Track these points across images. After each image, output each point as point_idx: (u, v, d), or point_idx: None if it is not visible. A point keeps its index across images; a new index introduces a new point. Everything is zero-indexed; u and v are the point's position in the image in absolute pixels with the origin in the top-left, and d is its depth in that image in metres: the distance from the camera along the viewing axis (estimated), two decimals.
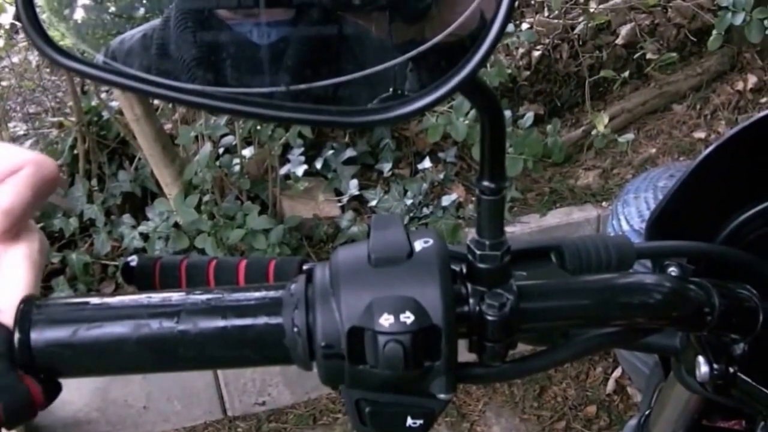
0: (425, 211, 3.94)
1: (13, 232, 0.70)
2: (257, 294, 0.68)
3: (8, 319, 0.66)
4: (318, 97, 0.66)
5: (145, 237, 3.68)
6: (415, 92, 0.59)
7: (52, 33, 0.66)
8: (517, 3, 0.64)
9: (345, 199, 4.01)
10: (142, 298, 0.68)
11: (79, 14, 0.72)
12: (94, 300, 0.68)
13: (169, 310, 0.66)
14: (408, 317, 0.63)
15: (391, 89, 0.64)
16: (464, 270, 0.72)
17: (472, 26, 0.61)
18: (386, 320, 0.63)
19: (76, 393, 3.51)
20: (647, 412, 1.33)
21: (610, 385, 3.73)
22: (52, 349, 0.65)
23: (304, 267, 0.83)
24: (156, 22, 0.73)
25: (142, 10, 0.74)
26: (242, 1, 0.67)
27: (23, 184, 0.69)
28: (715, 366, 0.88)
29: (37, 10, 0.66)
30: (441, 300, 0.65)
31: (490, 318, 0.68)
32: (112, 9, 0.75)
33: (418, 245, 0.67)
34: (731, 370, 0.89)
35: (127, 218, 3.77)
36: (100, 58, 0.73)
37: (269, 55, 0.69)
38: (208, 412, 3.74)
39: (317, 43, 0.69)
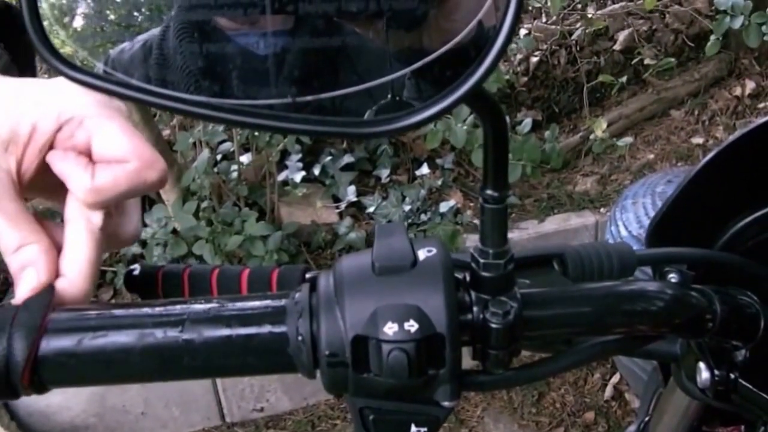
0: (423, 217, 3.94)
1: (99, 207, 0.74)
2: (261, 303, 0.69)
3: (70, 287, 0.71)
4: (320, 108, 0.66)
5: (143, 243, 3.67)
6: (421, 103, 0.59)
7: (52, 40, 0.67)
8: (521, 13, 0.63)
9: (343, 205, 4.02)
10: (147, 307, 0.68)
11: (78, 22, 0.72)
12: (99, 309, 0.68)
13: (174, 319, 0.66)
14: (412, 326, 0.63)
15: (394, 98, 0.64)
16: (468, 278, 0.72)
17: (471, 34, 0.61)
18: (390, 329, 0.63)
19: (74, 399, 3.51)
20: (646, 419, 1.33)
21: (609, 392, 3.73)
22: (57, 359, 0.65)
23: (307, 276, 0.83)
24: (156, 31, 0.73)
25: (141, 19, 0.75)
26: (239, 9, 0.67)
27: (123, 177, 0.73)
28: (716, 372, 0.88)
29: (41, 18, 0.66)
30: (445, 308, 0.65)
31: (493, 326, 0.68)
32: (112, 17, 0.75)
33: (422, 254, 0.67)
34: (732, 376, 0.89)
35: None
36: (100, 66, 0.73)
37: (269, 65, 0.69)
38: (207, 418, 3.74)
39: (317, 53, 0.69)
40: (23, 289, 0.70)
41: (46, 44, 0.66)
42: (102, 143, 0.74)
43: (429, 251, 0.68)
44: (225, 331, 0.66)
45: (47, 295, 0.69)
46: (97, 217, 0.74)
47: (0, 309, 0.66)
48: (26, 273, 0.71)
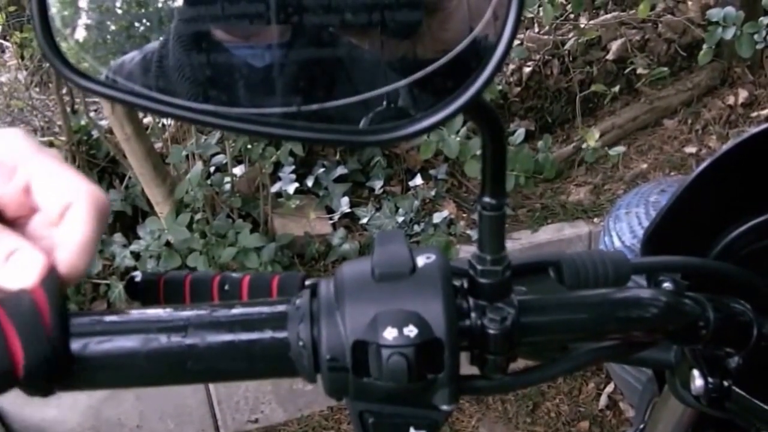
0: (417, 228, 3.95)
1: None
2: (263, 308, 0.69)
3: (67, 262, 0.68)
4: (320, 116, 0.66)
5: (136, 256, 3.68)
6: (417, 110, 0.60)
7: (62, 49, 0.68)
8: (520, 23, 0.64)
9: (336, 216, 4.02)
10: (151, 312, 0.69)
11: (80, 33, 0.73)
12: (104, 314, 0.69)
13: (178, 324, 0.67)
14: (411, 331, 0.64)
15: (393, 107, 0.65)
16: (466, 285, 0.73)
17: (469, 44, 0.62)
18: (390, 334, 0.64)
19: (69, 412, 3.51)
20: (641, 427, 1.33)
21: (603, 401, 3.73)
22: (63, 363, 0.65)
23: (307, 282, 0.84)
24: (156, 43, 0.74)
25: (142, 30, 0.75)
26: (237, 21, 0.67)
27: (84, 218, 0.69)
28: (710, 379, 0.89)
29: (51, 27, 0.67)
30: (443, 314, 0.66)
31: (491, 332, 0.69)
32: (113, 28, 0.75)
33: (421, 261, 0.68)
34: (726, 383, 0.89)
35: (118, 237, 3.77)
36: (103, 76, 0.73)
37: (267, 77, 0.70)
38: (201, 430, 3.74)
39: (315, 64, 0.69)
40: (19, 273, 0.67)
41: (54, 50, 0.67)
42: (43, 184, 0.70)
43: (428, 258, 0.69)
44: (227, 336, 0.66)
45: (55, 279, 0.68)
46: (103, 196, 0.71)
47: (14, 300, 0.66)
48: (18, 257, 0.68)
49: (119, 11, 0.75)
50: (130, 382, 0.69)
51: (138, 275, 0.87)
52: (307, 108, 0.66)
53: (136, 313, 0.69)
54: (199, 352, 0.66)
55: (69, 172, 0.71)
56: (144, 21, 0.75)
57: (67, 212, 0.69)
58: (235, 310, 0.69)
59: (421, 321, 0.65)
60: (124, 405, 3.56)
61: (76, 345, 0.65)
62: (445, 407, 0.69)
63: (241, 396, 3.69)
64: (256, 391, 3.69)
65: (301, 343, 0.66)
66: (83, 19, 0.73)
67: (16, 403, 3.38)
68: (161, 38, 0.73)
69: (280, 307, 0.69)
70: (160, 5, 0.74)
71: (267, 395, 3.71)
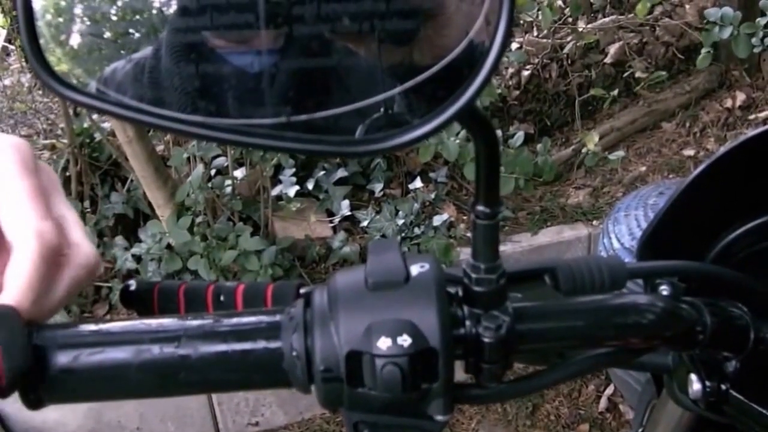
0: (417, 231, 3.94)
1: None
2: (256, 318, 0.69)
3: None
4: (314, 126, 0.66)
5: (137, 259, 3.68)
6: (412, 118, 0.60)
7: (48, 59, 0.67)
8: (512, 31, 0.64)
9: (337, 219, 4.02)
10: (143, 323, 0.68)
11: (74, 40, 0.72)
12: (96, 325, 0.68)
13: (170, 335, 0.67)
14: (405, 340, 0.64)
15: (387, 115, 0.64)
16: (460, 293, 0.72)
17: (463, 51, 0.62)
18: (384, 343, 0.64)
19: (70, 414, 3.50)
20: (640, 430, 1.33)
21: (603, 403, 3.73)
22: (55, 375, 0.65)
23: (302, 291, 0.83)
24: (148, 50, 0.73)
25: (135, 38, 0.75)
26: (230, 27, 0.67)
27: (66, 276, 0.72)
28: (708, 383, 0.89)
29: (38, 36, 0.67)
30: (438, 323, 0.65)
31: (486, 340, 0.68)
32: (107, 35, 0.75)
33: (415, 269, 0.68)
34: (723, 387, 0.89)
35: (119, 240, 3.77)
36: (94, 85, 0.73)
37: (261, 84, 0.69)
38: None
39: (309, 71, 0.69)
40: None
41: (42, 63, 0.67)
42: (5, 215, 0.71)
43: (422, 267, 0.68)
44: (221, 347, 0.66)
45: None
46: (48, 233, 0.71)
47: None
48: None
49: (113, 18, 0.74)
50: (123, 393, 0.69)
51: (132, 284, 0.87)
52: (305, 117, 0.66)
53: (129, 324, 0.69)
54: (191, 363, 0.66)
55: (26, 206, 0.71)
56: (136, 28, 0.74)
57: (13, 249, 0.69)
58: (229, 320, 0.68)
59: (415, 330, 0.65)
60: (125, 407, 3.56)
61: (66, 357, 0.65)
62: (440, 417, 0.69)
63: (241, 398, 3.69)
64: (257, 394, 3.69)
65: (294, 354, 0.66)
66: (74, 27, 0.73)
67: (16, 406, 3.38)
68: (152, 47, 0.72)
69: (274, 317, 0.68)
70: (154, 12, 0.73)
71: (268, 397, 3.71)
